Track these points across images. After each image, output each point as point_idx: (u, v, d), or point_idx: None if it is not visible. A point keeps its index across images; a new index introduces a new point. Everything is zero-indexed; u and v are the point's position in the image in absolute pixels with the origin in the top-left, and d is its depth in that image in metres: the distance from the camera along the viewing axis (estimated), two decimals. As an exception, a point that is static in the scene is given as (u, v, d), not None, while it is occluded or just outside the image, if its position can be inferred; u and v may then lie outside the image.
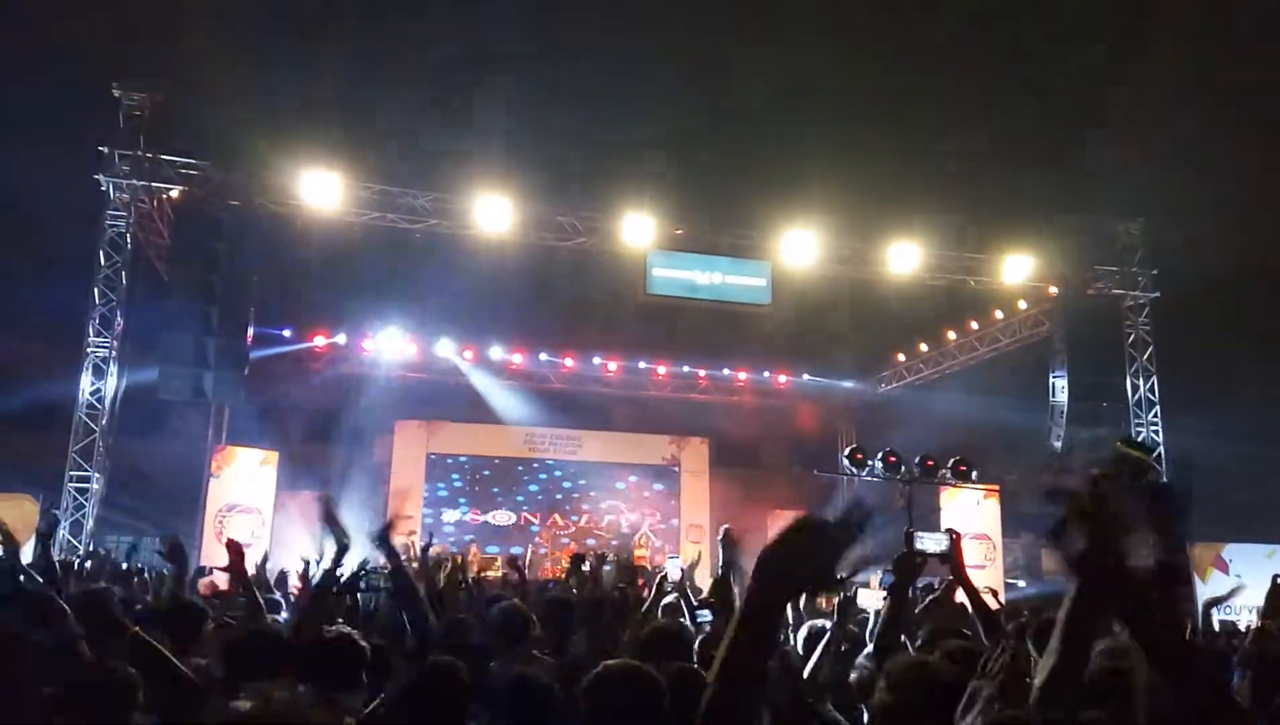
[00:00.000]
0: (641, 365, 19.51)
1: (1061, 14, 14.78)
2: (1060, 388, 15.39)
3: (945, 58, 14.78)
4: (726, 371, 20.25)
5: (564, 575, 12.60)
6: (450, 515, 19.74)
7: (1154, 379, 15.97)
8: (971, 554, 15.39)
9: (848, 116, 14.98)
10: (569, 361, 19.02)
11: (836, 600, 3.69)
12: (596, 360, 19.16)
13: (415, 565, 5.73)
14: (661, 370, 19.79)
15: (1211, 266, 14.20)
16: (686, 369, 19.98)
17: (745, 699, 1.38)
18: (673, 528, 20.57)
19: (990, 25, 14.66)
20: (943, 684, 2.07)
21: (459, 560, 7.34)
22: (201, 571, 7.48)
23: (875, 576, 11.66)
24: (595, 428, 20.20)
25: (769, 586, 1.39)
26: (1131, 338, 16.03)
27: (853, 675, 3.07)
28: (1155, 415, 15.91)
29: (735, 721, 1.37)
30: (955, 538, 3.68)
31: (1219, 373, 14.90)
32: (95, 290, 12.73)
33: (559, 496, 20.55)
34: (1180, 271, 15.31)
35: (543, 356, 18.83)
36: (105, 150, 12.55)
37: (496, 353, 18.46)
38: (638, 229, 14.10)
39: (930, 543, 3.47)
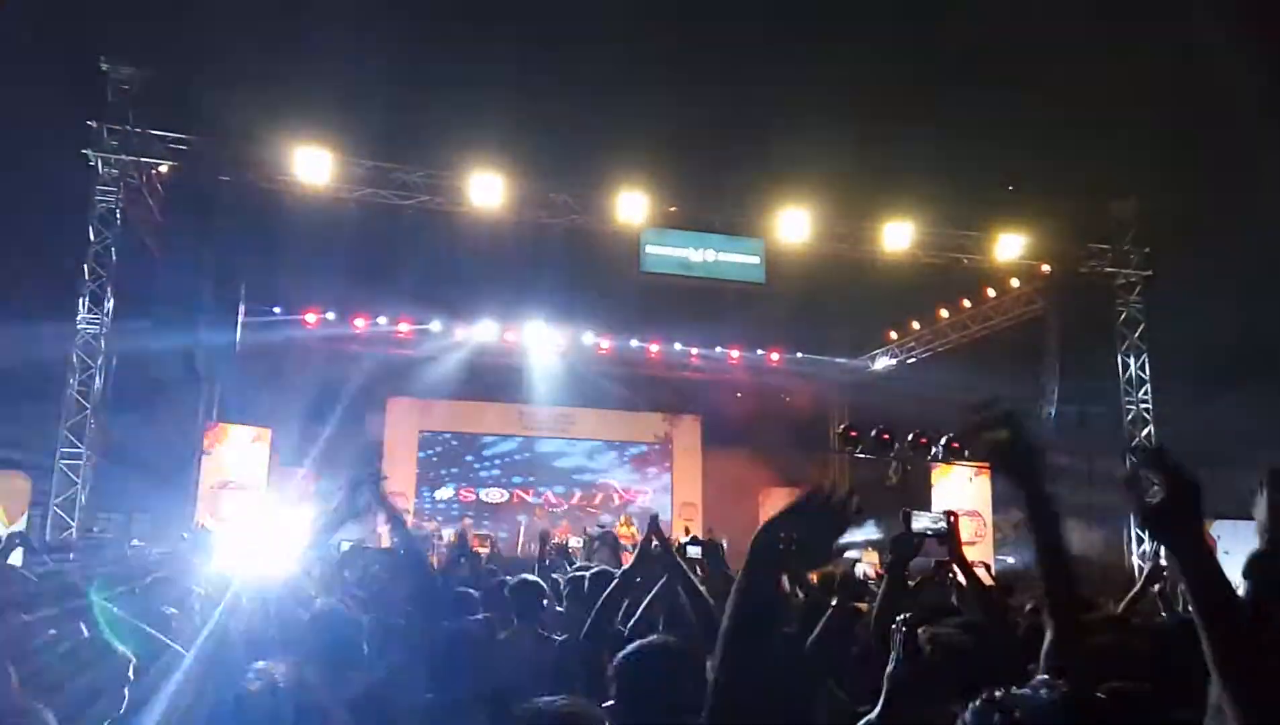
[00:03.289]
0: (634, 343, 19.49)
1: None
2: (1052, 366, 15.46)
3: (938, 36, 14.69)
4: (719, 349, 20.25)
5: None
6: (443, 493, 19.77)
7: (1145, 357, 16.05)
8: (963, 531, 15.51)
9: (841, 94, 14.89)
10: (561, 339, 18.99)
11: (838, 575, 3.72)
12: (589, 338, 19.13)
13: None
14: (654, 348, 19.78)
15: (1204, 244, 14.22)
16: (679, 347, 19.97)
17: (748, 678, 1.40)
18: (665, 505, 20.64)
19: (982, 4, 14.56)
20: (958, 652, 2.10)
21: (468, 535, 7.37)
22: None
23: (870, 553, 11.74)
24: (587, 405, 20.21)
25: (760, 560, 1.45)
26: (1124, 316, 16.10)
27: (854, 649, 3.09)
28: (1146, 393, 16.01)
29: (739, 701, 1.39)
30: (953, 518, 3.69)
31: (1211, 350, 14.95)
32: (85, 266, 12.63)
33: (551, 474, 20.60)
34: (1173, 249, 15.34)
35: (532, 333, 18.78)
36: (94, 125, 12.43)
37: (488, 330, 18.40)
38: (631, 207, 14.06)
39: (927, 522, 3.48)
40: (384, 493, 3.41)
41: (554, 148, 14.25)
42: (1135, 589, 5.71)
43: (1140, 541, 15.89)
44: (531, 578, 4.50)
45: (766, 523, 1.52)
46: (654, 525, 4.20)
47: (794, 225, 14.49)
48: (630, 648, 2.19)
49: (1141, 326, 16.04)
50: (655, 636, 2.27)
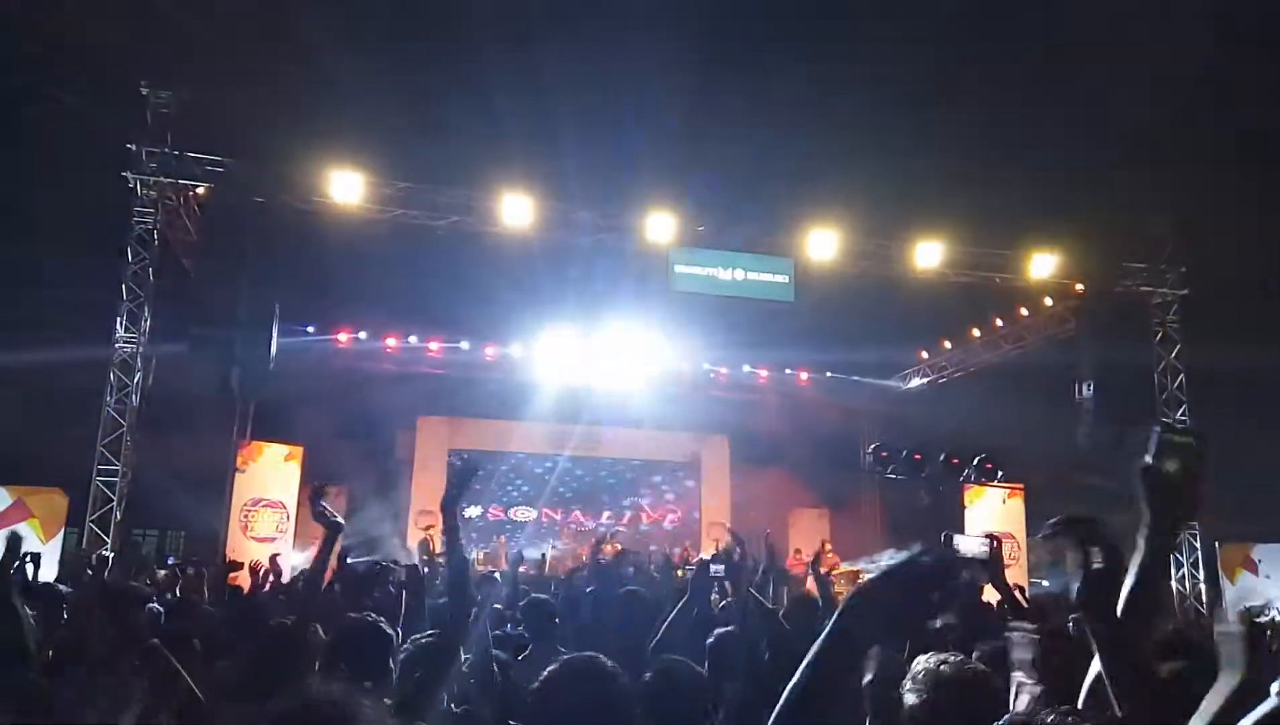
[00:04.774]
0: (663, 362, 19.43)
1: (1089, 11, 14.62)
2: (1087, 386, 15.24)
3: (970, 54, 14.65)
4: (747, 369, 20.16)
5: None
6: (471, 511, 19.79)
7: (1182, 377, 15.79)
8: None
9: (872, 112, 14.87)
10: (590, 359, 18.96)
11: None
12: (618, 357, 19.06)
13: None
14: (683, 367, 19.72)
15: (1242, 263, 14.00)
16: (707, 367, 19.91)
17: None
18: (694, 525, 20.54)
19: (1016, 22, 14.52)
20: (979, 684, 2.05)
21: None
22: (234, 566, 7.54)
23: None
24: (616, 425, 20.18)
25: (860, 627, 1.28)
26: (1160, 335, 15.85)
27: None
28: (1184, 413, 15.73)
29: None
30: (995, 542, 3.59)
31: (1249, 371, 14.68)
32: (123, 286, 12.86)
33: (580, 493, 20.56)
34: (1210, 268, 15.11)
35: (561, 353, 18.78)
36: (133, 148, 12.68)
37: (518, 350, 18.51)
38: (660, 226, 14.08)
39: (970, 546, 3.40)
40: (323, 509, 3.41)
41: (583, 168, 14.35)
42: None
43: (1180, 566, 15.58)
44: (542, 597, 4.51)
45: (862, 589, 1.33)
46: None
47: (823, 244, 14.43)
48: (555, 666, 2.09)
49: (1178, 346, 15.79)
50: (583, 655, 2.17)
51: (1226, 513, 15.06)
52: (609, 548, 16.16)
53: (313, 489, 3.32)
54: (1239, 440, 14.68)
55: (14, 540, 3.33)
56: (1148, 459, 1.70)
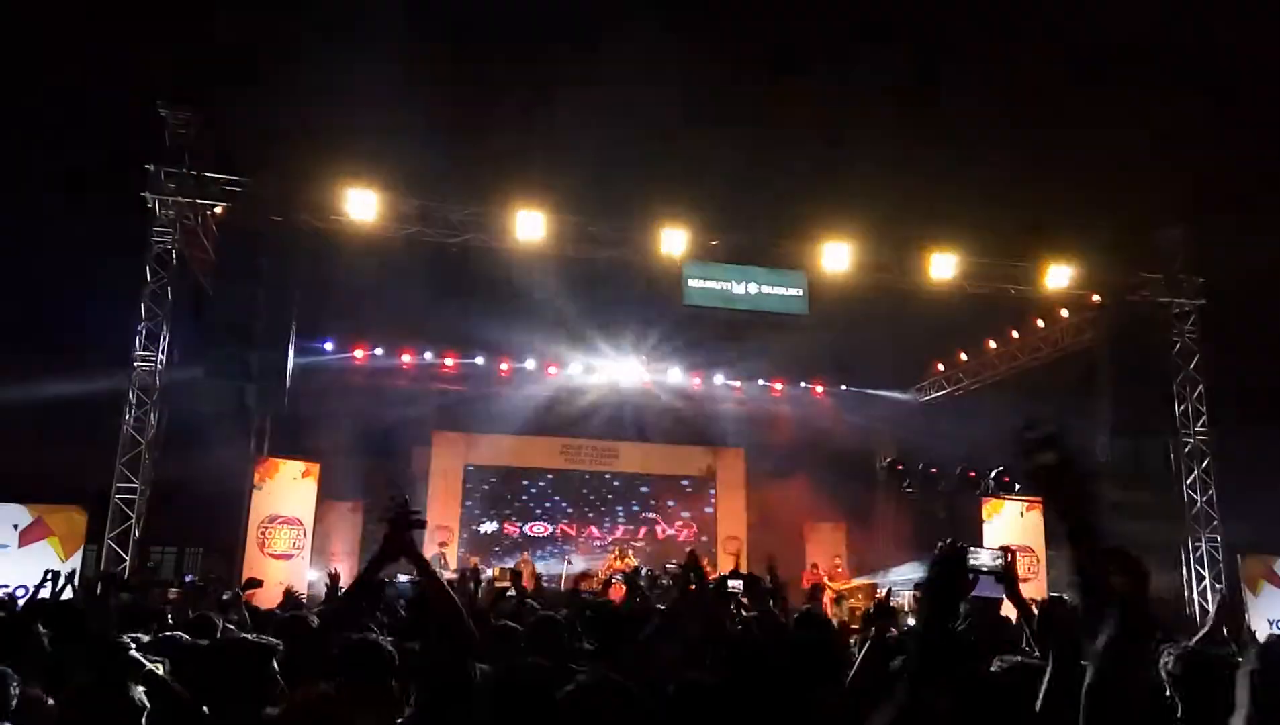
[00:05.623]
0: (677, 376, 19.46)
1: (1100, 19, 14.58)
2: (1104, 398, 15.12)
3: (983, 63, 14.64)
4: (762, 382, 20.14)
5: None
6: (487, 527, 19.82)
7: (1201, 387, 15.65)
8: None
9: (884, 123, 14.86)
10: (604, 373, 19.01)
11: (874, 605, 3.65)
12: (632, 371, 19.10)
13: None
14: (697, 381, 19.74)
15: (1261, 271, 13.88)
16: (721, 380, 19.91)
17: None
18: (710, 539, 20.48)
19: (1028, 31, 14.51)
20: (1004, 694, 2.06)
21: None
22: (250, 583, 7.58)
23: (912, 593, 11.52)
24: (631, 439, 20.18)
25: None
26: (1178, 346, 15.72)
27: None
28: (1203, 424, 15.59)
29: None
30: (1010, 555, 3.59)
31: (1269, 380, 14.54)
32: (141, 305, 12.99)
33: (595, 508, 20.55)
34: (1228, 277, 14.99)
35: (576, 368, 18.85)
36: (151, 168, 12.83)
37: (532, 365, 18.61)
38: (673, 240, 14.11)
39: (984, 558, 3.38)
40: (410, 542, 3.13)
41: (596, 183, 14.40)
42: (1210, 624, 5.54)
43: (1200, 578, 15.41)
44: (551, 613, 4.49)
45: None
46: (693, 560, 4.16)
47: (837, 257, 14.41)
48: (571, 687, 2.16)
49: (1196, 357, 15.66)
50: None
51: (1248, 524, 14.91)
52: (624, 562, 16.17)
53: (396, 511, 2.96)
54: (1260, 451, 14.57)
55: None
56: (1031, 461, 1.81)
